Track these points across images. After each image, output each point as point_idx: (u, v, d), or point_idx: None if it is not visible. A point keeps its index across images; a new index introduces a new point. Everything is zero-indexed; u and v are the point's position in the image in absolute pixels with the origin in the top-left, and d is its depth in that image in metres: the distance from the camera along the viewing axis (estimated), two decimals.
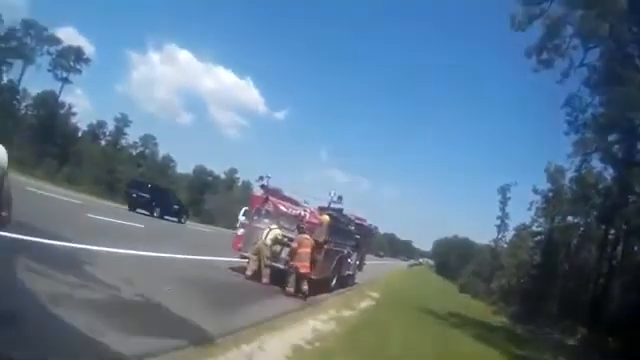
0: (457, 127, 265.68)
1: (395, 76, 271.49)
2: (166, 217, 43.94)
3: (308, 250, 18.68)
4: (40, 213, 18.26)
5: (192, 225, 49.44)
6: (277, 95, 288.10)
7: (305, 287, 18.56)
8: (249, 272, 19.02)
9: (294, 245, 18.93)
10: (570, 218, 51.70)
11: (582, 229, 48.67)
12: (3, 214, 4.12)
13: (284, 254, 19.53)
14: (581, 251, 48.03)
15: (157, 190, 45.84)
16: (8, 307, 6.32)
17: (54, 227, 15.01)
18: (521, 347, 21.70)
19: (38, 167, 54.43)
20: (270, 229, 19.31)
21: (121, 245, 17.14)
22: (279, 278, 18.95)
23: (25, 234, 11.95)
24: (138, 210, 41.10)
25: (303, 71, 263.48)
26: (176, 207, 47.25)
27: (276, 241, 19.16)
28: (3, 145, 4.24)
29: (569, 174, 48.93)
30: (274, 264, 19.31)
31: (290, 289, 18.46)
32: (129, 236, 22.74)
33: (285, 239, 19.43)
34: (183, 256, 20.27)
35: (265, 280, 18.80)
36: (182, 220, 46.90)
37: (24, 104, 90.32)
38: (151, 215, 40.97)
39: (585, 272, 42.61)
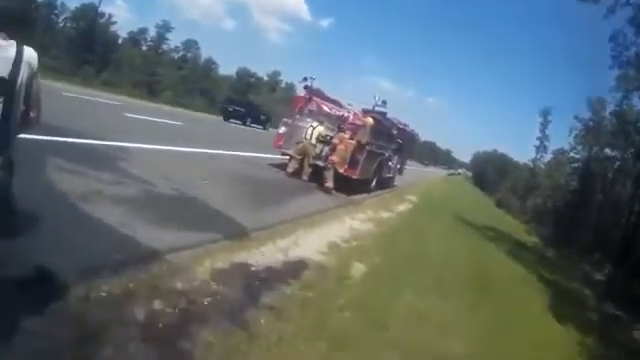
0: (505, 43, 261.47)
1: None
2: (253, 125, 50.69)
3: (345, 148, 18.82)
4: (75, 115, 18.22)
5: (234, 124, 48.78)
6: (322, 2, 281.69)
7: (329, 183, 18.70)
8: (290, 170, 19.10)
9: (335, 141, 19.01)
10: (608, 150, 51.05)
11: (618, 163, 48.01)
12: (32, 115, 3.98)
13: (324, 152, 19.43)
14: (616, 185, 47.44)
15: (248, 105, 54.98)
16: (38, 207, 6.17)
17: (89, 127, 14.86)
18: (550, 271, 21.44)
19: (76, 74, 53.98)
20: (314, 127, 19.22)
21: (158, 142, 17.07)
22: (319, 176, 19.03)
23: (59, 135, 11.88)
24: (231, 120, 48.84)
25: None
26: (262, 117, 54.37)
27: (320, 139, 19.05)
28: (40, 56, 4.15)
29: (610, 108, 48.30)
30: (317, 162, 19.34)
31: (329, 184, 18.57)
32: (168, 134, 22.65)
33: (328, 137, 19.30)
34: (223, 152, 20.25)
35: (305, 177, 18.86)
36: (266, 128, 52.28)
37: (62, 17, 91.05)
38: (243, 124, 46.98)
39: (619, 207, 42.07)
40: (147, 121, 25.37)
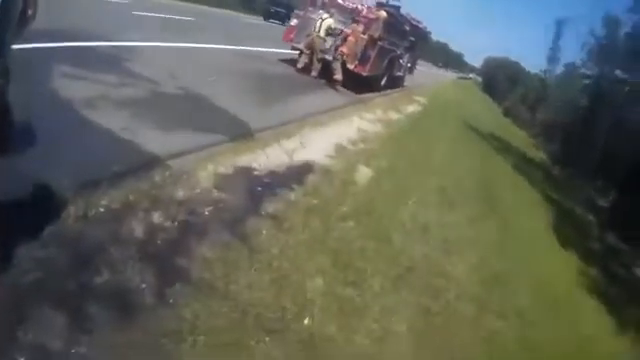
0: None
1: None
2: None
3: (356, 41, 18.64)
4: (77, 15, 17.69)
5: (246, 18, 48.56)
6: None
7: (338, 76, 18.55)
8: (300, 65, 18.82)
9: (347, 33, 18.86)
10: (619, 72, 50.56)
11: (628, 88, 47.62)
12: (30, 12, 3.69)
13: (334, 45, 19.11)
14: (626, 109, 47.14)
15: (288, 6, 50.32)
16: (37, 117, 5.90)
17: (92, 28, 14.37)
18: (556, 191, 21.57)
19: None
20: (322, 19, 18.60)
21: (167, 39, 16.66)
22: (328, 72, 18.80)
23: (60, 40, 11.17)
24: (271, 20, 50.15)
25: None
26: None
27: (329, 32, 18.55)
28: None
29: (625, 29, 47.73)
30: (325, 57, 18.99)
31: (337, 77, 18.45)
32: (177, 30, 22.00)
33: (337, 30, 18.94)
34: (233, 47, 19.78)
35: (314, 74, 18.54)
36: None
37: None
38: (283, 24, 43.95)
39: (627, 132, 41.88)
40: (157, 18, 24.06)
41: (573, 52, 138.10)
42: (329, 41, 18.83)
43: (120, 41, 13.65)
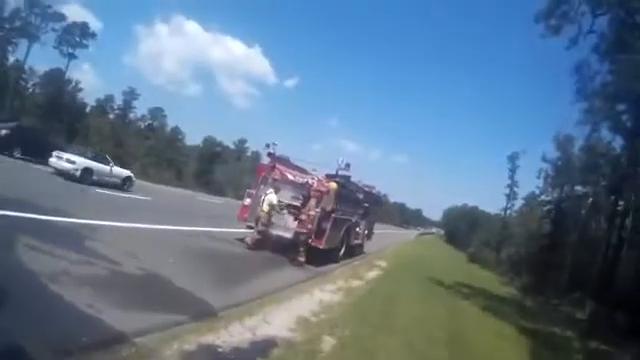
0: (465, 95, 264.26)
1: (403, 45, 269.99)
2: None
3: (309, 217, 18.80)
4: (44, 192, 18.19)
5: (201, 197, 49.74)
6: (286, 63, 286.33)
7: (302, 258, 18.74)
8: (249, 240, 19.03)
9: (303, 211, 19.07)
10: (579, 188, 51.36)
11: (591, 199, 48.29)
12: None
13: (291, 223, 19.44)
14: (590, 222, 47.66)
15: None
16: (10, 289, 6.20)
17: (55, 203, 15.01)
18: (530, 320, 21.45)
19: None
20: (266, 194, 19.13)
21: (126, 219, 17.29)
22: (282, 248, 19.08)
23: (24, 211, 12.15)
24: None
25: (312, 38, 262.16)
26: None
27: (272, 207, 18.91)
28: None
29: (578, 143, 48.71)
30: (275, 232, 19.39)
31: (301, 259, 18.57)
32: (136, 209, 22.95)
33: (282, 205, 19.44)
34: (192, 228, 20.22)
35: (248, 240, 18.98)
36: None
37: (31, 82, 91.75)
38: None
39: (595, 243, 42.23)
40: (117, 197, 25.44)
41: (530, 182, 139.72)
42: (279, 215, 19.43)
43: (82, 219, 14.27)
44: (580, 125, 37.68)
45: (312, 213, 18.81)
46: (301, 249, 18.68)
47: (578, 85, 31.72)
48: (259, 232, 18.96)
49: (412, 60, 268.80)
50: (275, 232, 19.33)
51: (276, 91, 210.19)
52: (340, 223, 21.57)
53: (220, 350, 7.36)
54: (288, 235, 19.32)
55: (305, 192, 20.06)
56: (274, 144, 21.47)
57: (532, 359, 13.49)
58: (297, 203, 19.89)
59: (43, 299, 7.21)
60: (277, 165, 21.06)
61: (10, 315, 5.97)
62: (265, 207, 18.75)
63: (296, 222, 19.15)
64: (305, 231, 18.67)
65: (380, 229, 48.89)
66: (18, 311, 6.35)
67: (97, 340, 6.26)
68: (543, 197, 58.90)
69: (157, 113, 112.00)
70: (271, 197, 18.95)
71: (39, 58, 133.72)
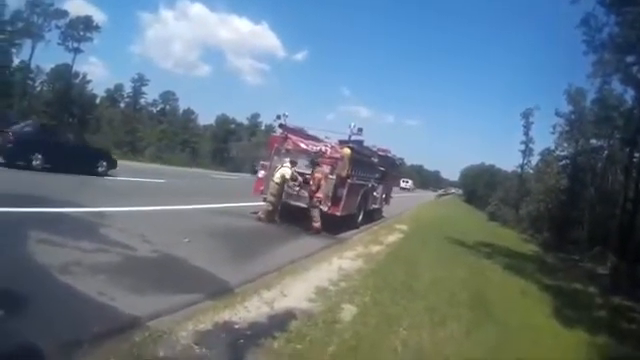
0: (476, 55, 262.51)
1: (412, 6, 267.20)
2: None
3: (323, 184, 18.75)
4: (51, 183, 18.37)
5: (217, 174, 49.95)
6: (294, 37, 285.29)
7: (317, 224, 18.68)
8: (261, 214, 18.93)
9: (313, 178, 18.90)
10: (594, 141, 50.85)
11: (606, 152, 47.81)
12: None
13: (304, 192, 19.32)
14: (607, 175, 47.24)
15: None
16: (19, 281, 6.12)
17: (64, 194, 14.92)
18: (552, 277, 21.30)
19: None
20: (279, 167, 19.10)
21: (139, 203, 17.34)
22: (300, 217, 18.97)
23: (35, 206, 12.32)
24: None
25: (319, 9, 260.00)
26: None
27: (284, 179, 18.81)
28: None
29: (590, 96, 48.20)
30: (289, 202, 19.48)
31: (316, 224, 18.52)
32: (149, 193, 22.96)
33: (295, 175, 19.11)
34: (205, 205, 20.33)
35: (261, 214, 18.88)
36: None
37: (39, 81, 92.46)
38: None
39: (613, 197, 41.89)
40: (131, 182, 25.71)
41: (546, 138, 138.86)
42: (293, 186, 19.33)
43: (92, 207, 14.30)
44: (591, 78, 37.21)
45: (323, 180, 18.70)
46: (315, 215, 18.61)
47: (586, 38, 31.24)
48: (271, 203, 18.84)
49: (421, 21, 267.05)
50: (289, 202, 19.34)
51: (286, 65, 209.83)
52: (356, 188, 21.52)
53: (237, 326, 7.24)
54: (301, 204, 19.29)
55: (317, 159, 19.80)
56: (285, 115, 21.46)
57: (556, 317, 13.31)
58: (310, 171, 19.55)
59: (53, 290, 7.13)
60: (289, 135, 20.96)
61: (17, 309, 5.92)
62: (277, 179, 18.62)
63: (313, 190, 18.83)
64: (318, 197, 18.59)
65: (398, 192, 48.76)
66: (26, 304, 6.28)
67: (108, 328, 6.17)
68: (558, 152, 58.48)
69: (168, 97, 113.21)
70: (284, 170, 18.82)
71: (45, 56, 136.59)
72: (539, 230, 50.75)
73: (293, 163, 19.24)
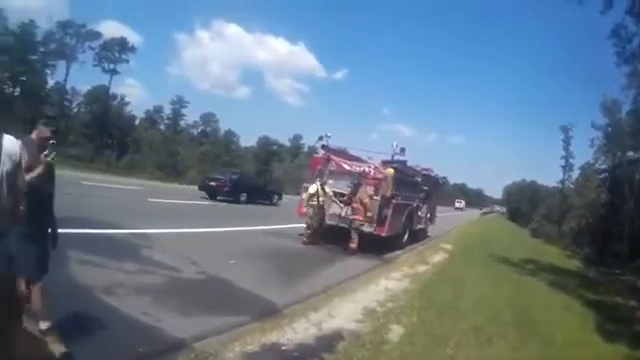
0: (515, 69, 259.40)
1: (451, 26, 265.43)
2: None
3: (367, 205, 18.52)
4: (95, 205, 18.58)
5: None
6: (333, 56, 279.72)
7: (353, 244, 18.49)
8: (305, 239, 18.85)
9: (355, 199, 18.75)
10: (631, 153, 50.22)
11: None
12: (22, 208, 3.95)
13: (344, 212, 19.28)
14: None
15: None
16: (62, 300, 6.20)
17: (107, 215, 15.13)
18: (593, 292, 21.02)
19: (96, 161, 54.77)
20: (312, 186, 19.13)
21: (183, 225, 17.48)
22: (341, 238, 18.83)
23: (75, 227, 11.98)
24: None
25: (357, 28, 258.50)
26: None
27: (310, 196, 18.88)
28: (58, 145, 4.20)
29: (625, 108, 47.66)
30: (331, 223, 19.42)
31: (353, 245, 18.37)
32: (193, 215, 23.04)
33: (324, 192, 19.02)
34: (250, 227, 20.40)
35: (304, 240, 18.74)
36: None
37: (76, 102, 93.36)
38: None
39: None
40: (171, 204, 25.76)
41: (585, 152, 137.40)
42: (333, 205, 19.39)
43: (137, 228, 14.42)
44: (625, 89, 36.85)
45: (367, 201, 18.50)
46: (353, 236, 18.47)
47: (617, 49, 30.93)
48: (309, 225, 18.87)
49: (460, 40, 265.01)
50: (335, 223, 19.27)
51: (326, 84, 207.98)
52: (401, 209, 21.45)
53: (284, 348, 7.25)
54: (343, 225, 19.20)
55: (359, 180, 19.62)
56: (327, 136, 21.49)
57: (598, 331, 13.21)
58: (352, 192, 19.44)
59: (99, 310, 7.19)
60: (332, 156, 20.93)
61: (64, 329, 5.83)
62: (315, 200, 18.69)
63: (352, 211, 18.77)
64: (360, 219, 18.44)
65: (444, 212, 48.60)
66: (72, 325, 6.32)
67: (154, 349, 6.27)
68: (597, 165, 57.88)
69: (209, 118, 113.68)
70: (312, 187, 18.97)
71: (81, 78, 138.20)
72: (581, 245, 50.24)
73: (323, 182, 19.25)
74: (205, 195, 33.03)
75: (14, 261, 4.83)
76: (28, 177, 4.67)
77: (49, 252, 5.61)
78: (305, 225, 19.10)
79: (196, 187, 35.68)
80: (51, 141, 5.33)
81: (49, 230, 5.62)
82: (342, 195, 19.58)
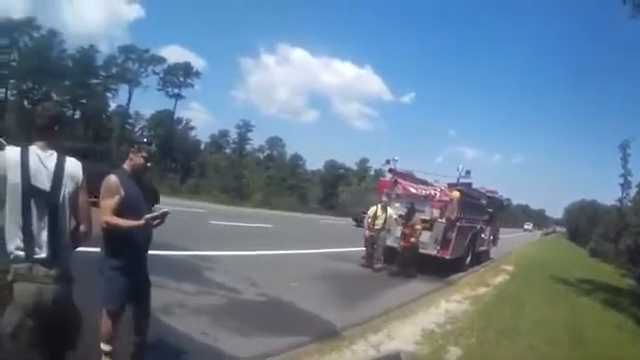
0: (568, 90, 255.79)
1: (513, 49, 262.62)
2: None
3: (417, 227, 18.32)
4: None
5: (326, 219, 50.77)
6: (401, 80, 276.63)
7: (407, 266, 18.35)
8: (364, 262, 18.92)
9: (413, 222, 18.45)
10: None
11: None
12: (82, 229, 4.11)
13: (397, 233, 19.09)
14: None
15: None
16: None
17: (168, 236, 15.44)
18: None
19: (161, 184, 55.49)
20: (372, 208, 19.17)
21: (244, 247, 17.60)
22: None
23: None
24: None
25: (424, 50, 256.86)
26: None
27: (371, 219, 18.81)
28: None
29: None
30: (395, 245, 19.07)
31: (410, 268, 18.23)
32: (255, 237, 23.07)
33: (385, 215, 18.70)
34: (312, 250, 20.55)
35: (377, 265, 18.60)
36: None
37: (139, 126, 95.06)
38: None
39: None
40: (233, 227, 25.99)
41: None
42: (395, 229, 19.06)
43: (197, 250, 14.67)
44: None
45: (417, 227, 18.35)
46: (406, 260, 18.36)
47: None
48: (366, 248, 18.94)
49: (521, 62, 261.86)
50: (394, 245, 19.11)
51: (393, 108, 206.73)
52: (465, 231, 21.43)
53: None
54: (395, 245, 19.15)
55: (412, 205, 19.22)
56: (394, 159, 21.63)
57: None
58: (423, 216, 19.46)
59: (158, 330, 7.15)
60: (399, 179, 21.09)
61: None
62: (376, 224, 18.60)
63: (407, 234, 18.53)
64: (409, 243, 18.31)
65: (508, 233, 48.28)
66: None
67: None
68: None
69: (275, 142, 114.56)
70: (372, 210, 19.04)
71: (144, 102, 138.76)
72: (636, 263, 49.49)
73: (384, 206, 18.98)
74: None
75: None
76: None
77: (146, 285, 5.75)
78: (364, 247, 19.07)
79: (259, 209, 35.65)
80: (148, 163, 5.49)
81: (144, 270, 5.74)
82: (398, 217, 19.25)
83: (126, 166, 5.47)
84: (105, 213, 5.07)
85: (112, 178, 5.21)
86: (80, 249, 4.27)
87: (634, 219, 58.18)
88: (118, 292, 5.27)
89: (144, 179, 5.58)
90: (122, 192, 5.12)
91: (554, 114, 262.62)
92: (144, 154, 5.38)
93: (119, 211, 5.09)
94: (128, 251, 5.29)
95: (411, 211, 18.80)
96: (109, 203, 5.09)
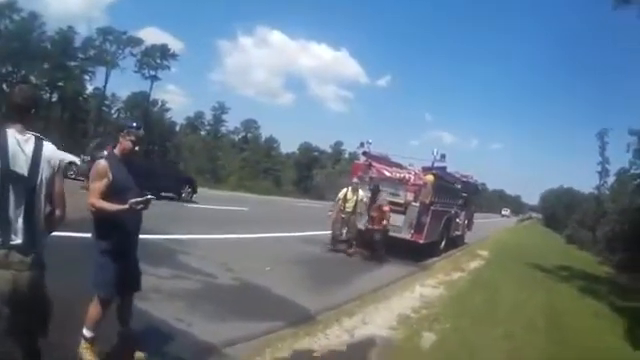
0: (555, 76, 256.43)
1: (492, 35, 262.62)
2: None
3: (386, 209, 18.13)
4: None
5: (300, 202, 50.75)
6: (376, 63, 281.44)
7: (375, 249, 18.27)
8: (334, 245, 18.73)
9: (383, 205, 18.29)
10: None
11: None
12: (57, 214, 4.06)
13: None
14: None
15: None
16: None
17: (147, 221, 15.28)
18: (624, 298, 20.75)
19: None
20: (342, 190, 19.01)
21: (220, 231, 17.55)
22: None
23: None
24: None
25: (400, 34, 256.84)
26: None
27: (345, 201, 18.59)
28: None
29: None
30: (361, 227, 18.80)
31: (380, 251, 18.12)
32: (231, 221, 22.86)
33: (355, 198, 18.51)
34: (287, 234, 20.49)
35: (350, 250, 18.42)
36: None
37: (115, 108, 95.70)
38: None
39: None
40: (211, 210, 26.07)
41: (621, 158, 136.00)
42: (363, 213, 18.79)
43: (171, 234, 14.49)
44: None
45: (386, 209, 18.11)
46: (376, 243, 18.19)
47: None
48: (335, 235, 18.77)
49: (499, 50, 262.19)
50: (361, 227, 18.81)
51: (369, 91, 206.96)
52: (439, 215, 21.43)
53: (315, 354, 7.31)
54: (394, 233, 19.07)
55: (378, 187, 19.16)
56: (369, 142, 21.65)
57: (627, 337, 13.18)
58: (397, 199, 19.55)
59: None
60: (373, 162, 21.05)
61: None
62: (346, 207, 18.50)
63: (395, 218, 18.74)
64: (377, 227, 18.08)
65: (481, 218, 48.39)
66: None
67: (183, 355, 6.37)
68: (632, 171, 57.27)
69: (250, 125, 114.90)
70: (341, 192, 18.84)
71: (121, 84, 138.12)
72: (613, 251, 49.73)
73: (354, 189, 18.73)
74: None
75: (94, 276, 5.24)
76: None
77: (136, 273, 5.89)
78: (332, 231, 18.86)
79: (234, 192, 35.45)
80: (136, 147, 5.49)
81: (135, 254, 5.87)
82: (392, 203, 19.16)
83: (116, 150, 5.52)
84: (92, 196, 5.13)
85: (101, 162, 5.28)
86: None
87: (611, 207, 58.54)
88: (111, 279, 5.32)
89: (136, 163, 5.59)
90: (110, 176, 5.17)
91: (533, 102, 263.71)
92: (132, 138, 5.43)
93: (107, 194, 5.15)
94: (117, 234, 5.35)
95: (375, 191, 18.77)
96: (97, 186, 5.15)
